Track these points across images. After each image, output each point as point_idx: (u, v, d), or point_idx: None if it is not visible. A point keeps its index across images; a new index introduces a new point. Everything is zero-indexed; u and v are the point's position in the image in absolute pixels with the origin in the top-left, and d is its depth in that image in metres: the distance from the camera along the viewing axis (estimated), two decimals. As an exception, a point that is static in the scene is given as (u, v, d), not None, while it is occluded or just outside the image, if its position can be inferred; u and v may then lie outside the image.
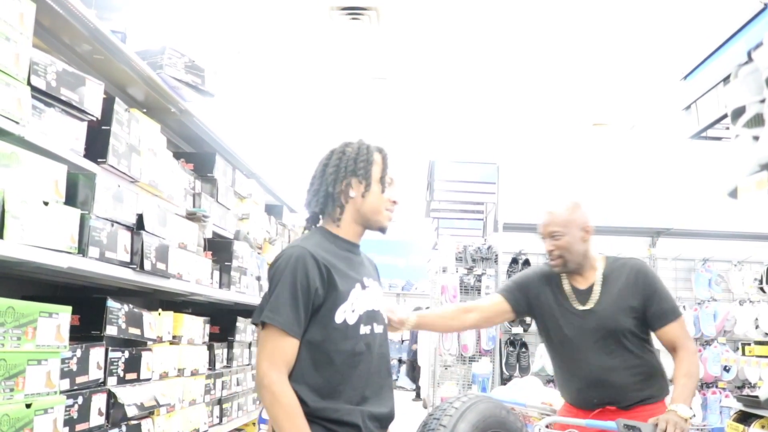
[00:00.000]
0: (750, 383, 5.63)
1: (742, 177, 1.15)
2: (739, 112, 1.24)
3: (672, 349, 2.59)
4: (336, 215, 2.05)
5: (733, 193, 1.18)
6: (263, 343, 1.92)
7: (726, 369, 5.79)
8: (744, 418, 3.64)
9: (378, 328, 2.04)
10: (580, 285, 2.69)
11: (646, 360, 2.63)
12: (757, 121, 1.20)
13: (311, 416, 1.88)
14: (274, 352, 1.89)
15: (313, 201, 2.08)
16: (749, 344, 5.63)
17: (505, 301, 2.77)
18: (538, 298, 2.74)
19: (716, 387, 5.91)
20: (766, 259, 5.78)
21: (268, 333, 1.90)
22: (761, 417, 3.47)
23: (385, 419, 2.00)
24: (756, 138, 1.18)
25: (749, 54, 1.52)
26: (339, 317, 1.94)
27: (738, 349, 5.84)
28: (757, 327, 5.76)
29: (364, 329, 1.98)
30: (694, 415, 2.52)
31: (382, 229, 2.09)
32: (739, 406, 3.63)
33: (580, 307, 2.66)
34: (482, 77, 6.04)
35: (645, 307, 2.60)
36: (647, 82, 5.84)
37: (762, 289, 5.80)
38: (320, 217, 2.11)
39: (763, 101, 1.16)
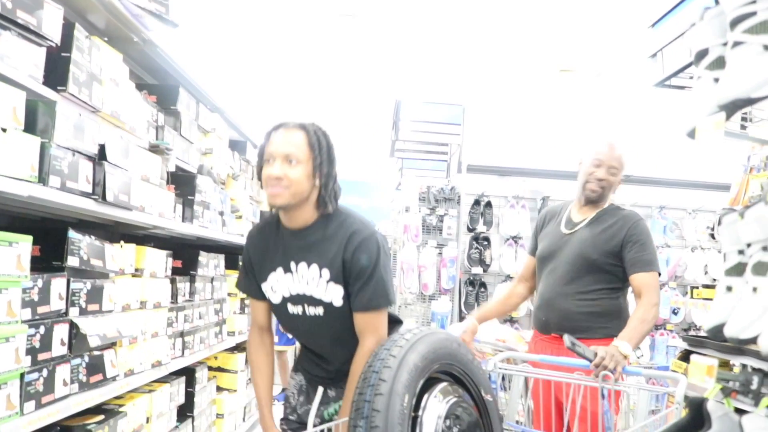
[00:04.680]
0: (696, 326, 5.88)
1: (701, 117, 1.19)
2: (702, 54, 1.27)
3: (637, 296, 2.75)
4: None
5: (692, 134, 1.21)
6: None
7: (675, 312, 6.03)
8: (687, 356, 3.80)
9: (312, 310, 2.12)
10: (577, 217, 2.94)
11: (605, 297, 2.81)
12: (718, 63, 1.23)
13: None
14: (251, 314, 2.33)
15: None
16: (697, 288, 5.86)
17: (530, 256, 3.11)
18: (541, 232, 3.05)
19: (664, 329, 6.16)
20: (718, 208, 5.95)
21: None
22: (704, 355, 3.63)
23: (310, 373, 2.31)
24: (716, 80, 1.22)
25: (716, -1, 1.57)
26: (265, 294, 2.22)
27: (687, 293, 6.08)
28: (706, 273, 5.98)
29: (293, 309, 2.16)
30: (642, 355, 2.65)
31: (273, 206, 2.06)
32: (684, 346, 3.79)
33: (565, 231, 2.92)
34: (452, 19, 5.96)
35: (623, 252, 2.78)
36: (615, 30, 5.84)
37: (713, 236, 6.01)
38: None
39: (725, 44, 1.19)
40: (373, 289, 2.05)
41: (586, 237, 2.85)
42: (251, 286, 2.25)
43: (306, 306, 2.12)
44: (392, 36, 6.49)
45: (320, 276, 2.07)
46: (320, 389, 2.26)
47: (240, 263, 2.34)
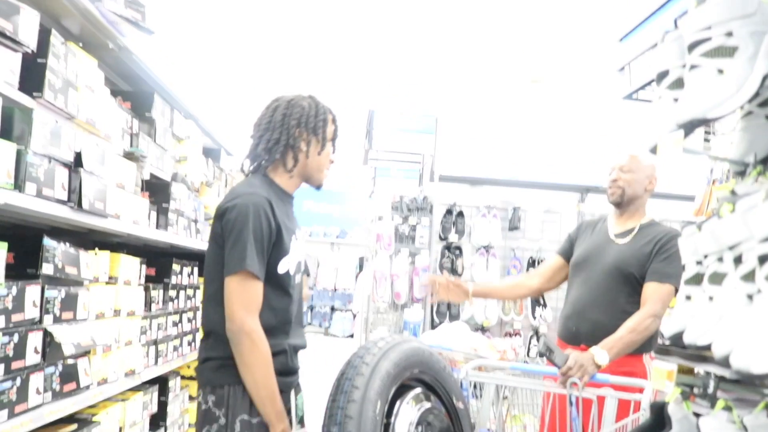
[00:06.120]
0: (663, 335, 5.98)
1: (662, 135, 1.27)
2: (663, 75, 1.34)
3: (642, 305, 2.72)
4: (290, 167, 2.17)
5: (654, 150, 1.29)
6: (238, 289, 1.98)
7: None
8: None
9: (298, 278, 2.20)
10: (615, 228, 2.93)
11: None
12: (678, 84, 1.31)
13: None
14: (250, 299, 1.98)
15: (273, 148, 2.14)
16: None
17: (559, 256, 3.06)
18: (578, 239, 3.02)
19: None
20: (681, 218, 6.08)
21: (243, 279, 1.98)
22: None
23: (301, 348, 2.21)
24: (676, 100, 1.29)
25: (675, 22, 1.63)
26: (282, 268, 2.09)
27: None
28: (673, 282, 6.10)
29: (296, 278, 2.18)
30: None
31: (320, 186, 2.28)
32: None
33: (604, 240, 2.90)
34: (425, 30, 6.04)
35: (648, 262, 2.76)
36: (586, 42, 5.97)
37: (678, 246, 6.13)
38: (267, 164, 2.19)
39: (684, 66, 1.27)
40: None
41: (625, 249, 2.82)
42: (262, 262, 2.03)
43: (298, 274, 2.20)
44: (366, 47, 6.55)
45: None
46: (293, 395, 2.11)
47: (250, 244, 1.99)
